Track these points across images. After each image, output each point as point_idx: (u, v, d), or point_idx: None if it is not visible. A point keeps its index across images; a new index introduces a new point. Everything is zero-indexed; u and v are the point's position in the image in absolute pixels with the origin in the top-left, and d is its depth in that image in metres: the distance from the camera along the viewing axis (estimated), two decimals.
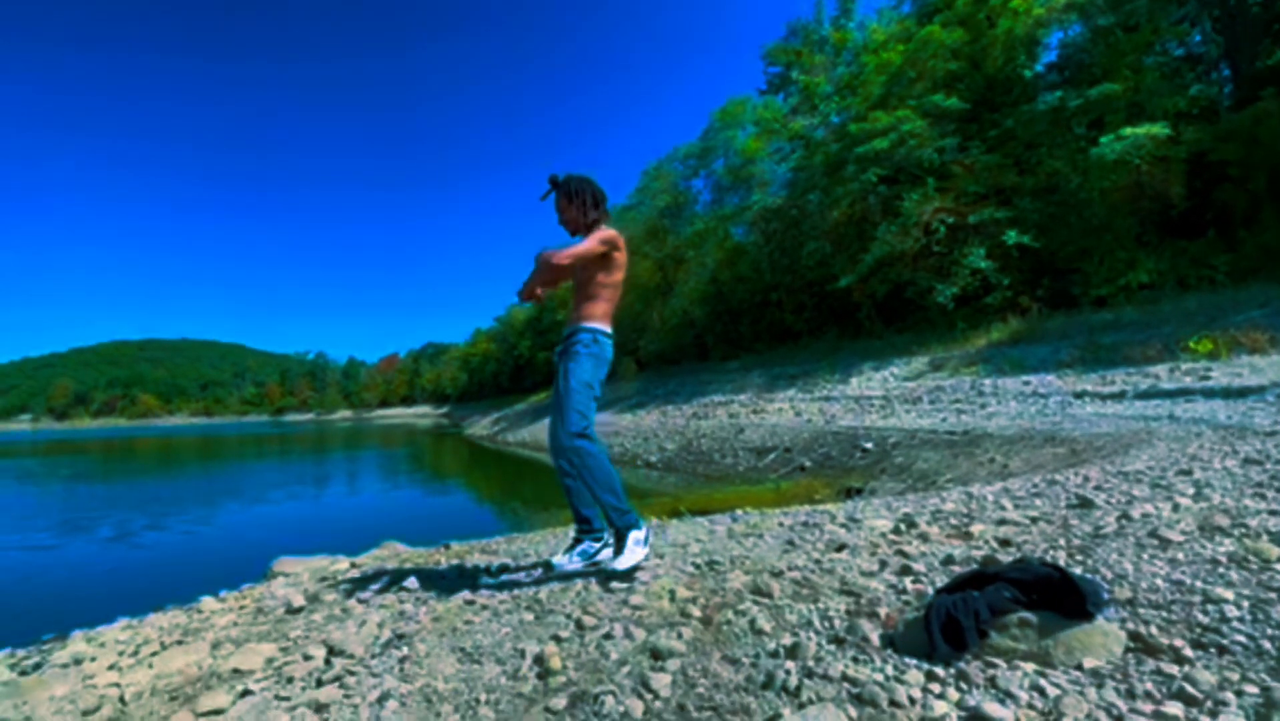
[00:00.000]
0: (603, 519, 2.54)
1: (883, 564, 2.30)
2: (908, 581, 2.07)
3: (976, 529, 2.62)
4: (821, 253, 17.47)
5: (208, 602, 2.97)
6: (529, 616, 2.19)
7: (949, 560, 2.24)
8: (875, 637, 1.69)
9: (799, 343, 19.10)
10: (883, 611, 1.85)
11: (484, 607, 2.36)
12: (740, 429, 11.88)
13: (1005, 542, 2.38)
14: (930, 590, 1.95)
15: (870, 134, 14.69)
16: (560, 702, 1.56)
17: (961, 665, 1.49)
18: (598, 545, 2.59)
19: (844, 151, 15.71)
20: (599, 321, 2.45)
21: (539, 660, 1.79)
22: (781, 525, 3.36)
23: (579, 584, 2.51)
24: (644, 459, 11.99)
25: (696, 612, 2.01)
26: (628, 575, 2.37)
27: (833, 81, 19.13)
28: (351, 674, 1.86)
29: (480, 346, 65.48)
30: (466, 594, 2.58)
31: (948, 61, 14.98)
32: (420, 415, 73.55)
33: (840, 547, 2.61)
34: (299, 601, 2.73)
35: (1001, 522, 2.72)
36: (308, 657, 2.04)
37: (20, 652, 2.54)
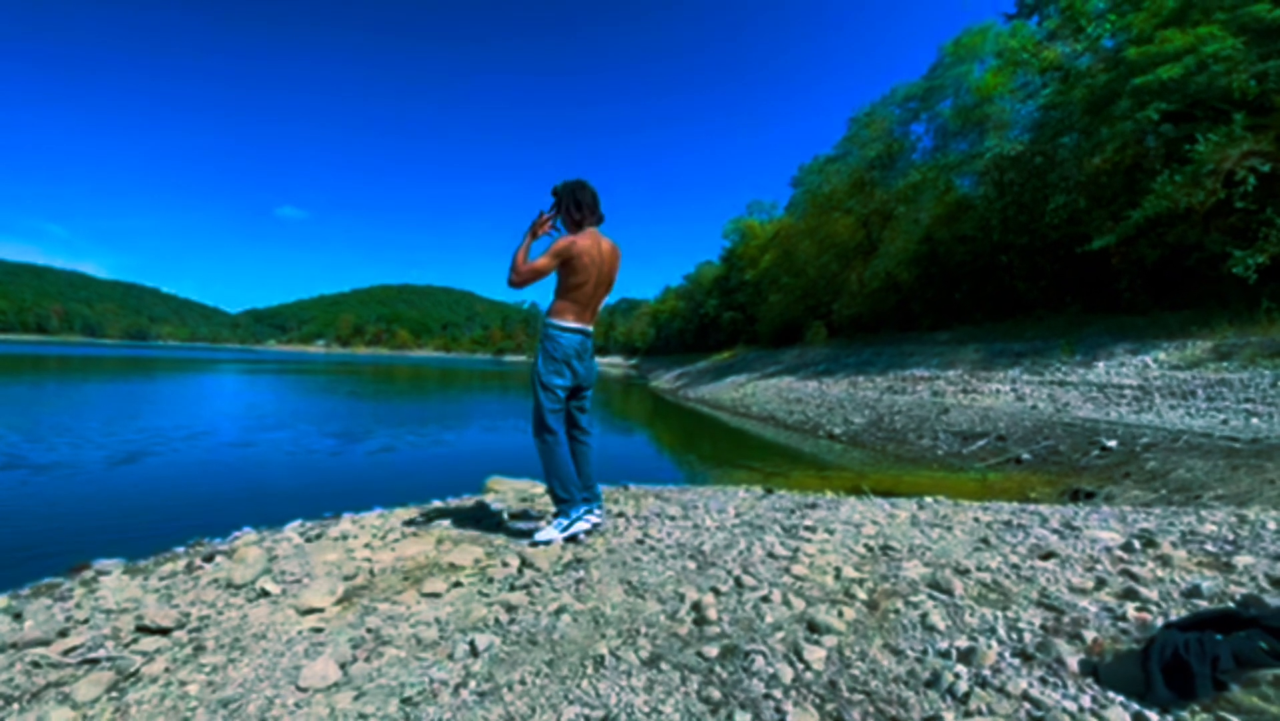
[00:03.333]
0: (594, 491, 2.85)
1: (1100, 582, 2.01)
2: (1129, 607, 1.79)
3: (1242, 560, 2.14)
4: (1072, 208, 14.83)
5: (436, 505, 3.67)
6: (692, 565, 2.33)
7: (1194, 592, 1.88)
8: (1073, 662, 1.51)
9: (1030, 315, 16.63)
10: (1089, 635, 1.64)
11: (652, 549, 2.56)
12: (944, 409, 10.86)
13: None
14: (1159, 623, 1.67)
15: (1156, 59, 11.83)
16: (712, 651, 1.66)
17: (1183, 715, 1.28)
18: (579, 513, 2.74)
19: (1116, 83, 12.92)
20: (557, 316, 2.70)
21: (696, 607, 1.91)
22: (977, 520, 3.09)
23: (742, 542, 2.59)
24: (827, 430, 11.58)
25: (862, 595, 1.97)
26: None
27: None
28: (537, 585, 2.18)
29: (669, 304, 67.67)
30: (638, 532, 2.82)
31: None
32: (612, 365, 78.83)
33: (1047, 555, 2.33)
34: (503, 516, 3.22)
35: None
36: (505, 564, 2.42)
37: (308, 524, 3.37)
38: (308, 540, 2.91)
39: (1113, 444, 7.14)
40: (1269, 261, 10.53)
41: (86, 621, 2.07)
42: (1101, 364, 11.27)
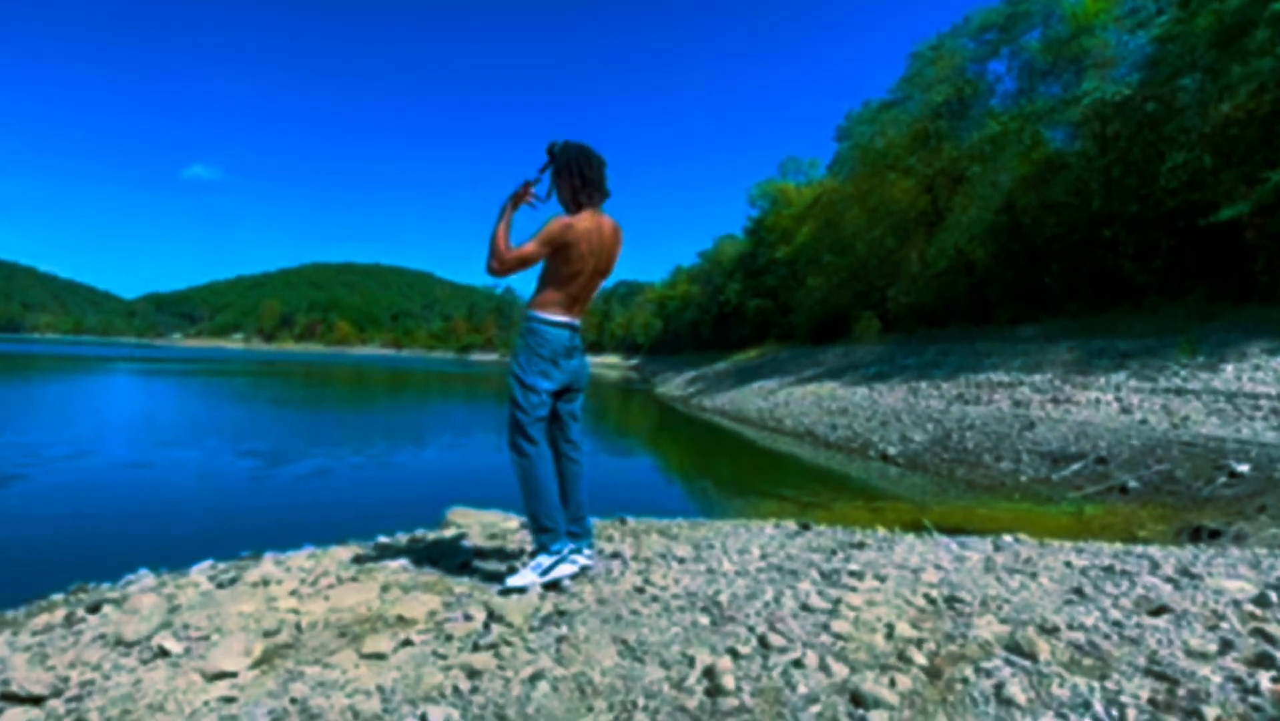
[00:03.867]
0: (583, 525, 2.91)
1: (1225, 645, 2.01)
2: (1263, 677, 1.79)
3: None
4: (1194, 168, 14.83)
5: (383, 542, 3.69)
6: (704, 620, 2.33)
7: None
8: None
9: (1139, 304, 16.65)
10: (1210, 712, 1.63)
11: (654, 599, 2.56)
12: (1029, 423, 10.86)
13: None
14: None
15: None
16: None
17: None
18: (564, 550, 2.75)
19: (1251, 9, 12.92)
20: (543, 308, 2.77)
21: (709, 674, 1.91)
22: (1069, 565, 3.09)
23: (770, 591, 2.59)
24: (878, 449, 11.59)
25: (920, 659, 1.97)
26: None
27: None
28: (508, 643, 2.18)
29: (680, 288, 67.76)
30: (637, 578, 2.82)
31: None
32: (608, 365, 79.03)
33: (1159, 611, 2.33)
34: (467, 556, 3.23)
35: None
36: (468, 617, 2.43)
37: (220, 565, 3.38)
38: (219, 586, 2.93)
39: (1244, 468, 7.13)
40: None
41: None
42: (1230, 366, 11.26)
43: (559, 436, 2.87)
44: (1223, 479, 7.12)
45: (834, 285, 29.06)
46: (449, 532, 3.89)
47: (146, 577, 3.26)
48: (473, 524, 4.10)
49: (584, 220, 2.72)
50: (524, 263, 2.70)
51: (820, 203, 32.02)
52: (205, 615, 2.52)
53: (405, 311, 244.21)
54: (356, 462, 9.85)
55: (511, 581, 2.69)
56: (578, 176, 2.76)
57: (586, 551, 2.88)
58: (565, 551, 2.75)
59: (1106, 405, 11.16)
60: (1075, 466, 8.80)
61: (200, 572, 3.24)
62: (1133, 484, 7.75)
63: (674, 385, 33.28)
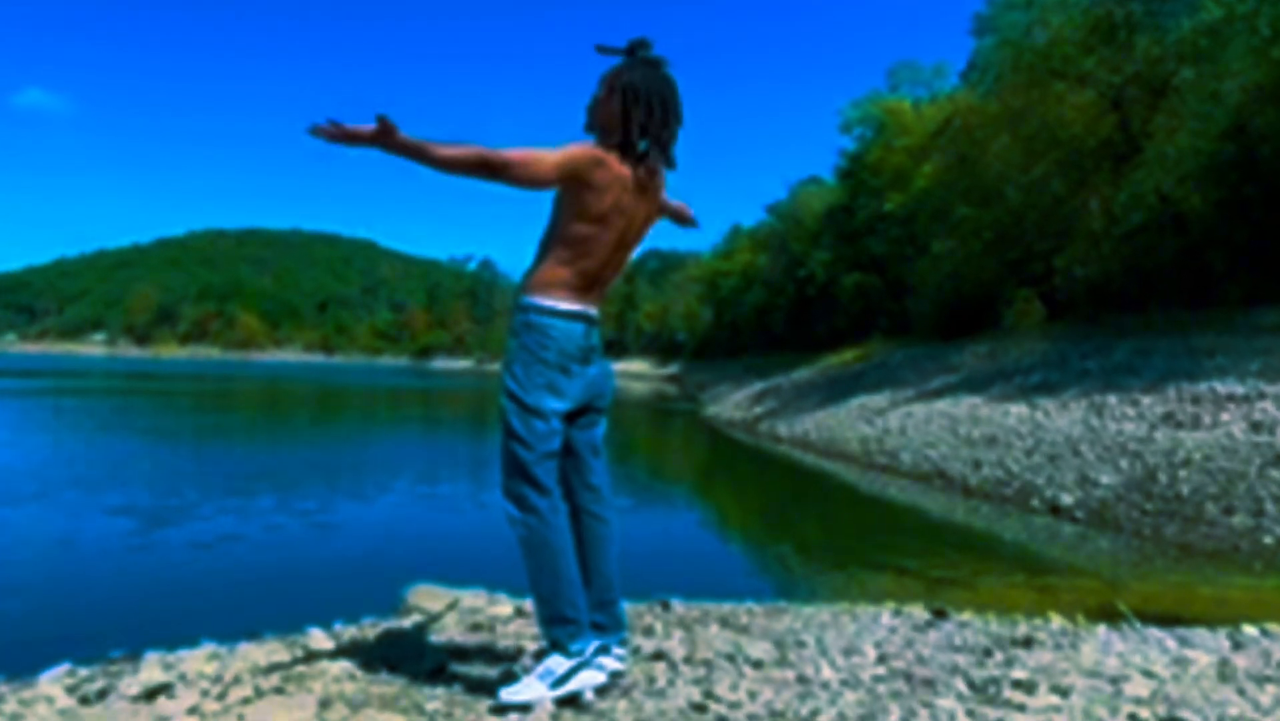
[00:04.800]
0: (612, 613, 2.89)
1: None
2: None
3: None
4: None
5: (317, 637, 3.71)
6: None
7: None
8: None
9: None
10: None
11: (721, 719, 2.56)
12: (1276, 455, 10.69)
13: None
14: None
15: None
16: None
17: None
18: (586, 649, 2.71)
19: None
20: (546, 292, 2.70)
21: None
22: None
23: (895, 712, 2.58)
24: (1046, 496, 11.48)
25: None
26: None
27: None
28: None
29: (739, 259, 67.59)
30: (693, 691, 2.82)
31: None
32: (633, 374, 78.64)
33: None
34: (440, 656, 3.25)
35: None
36: None
37: (83, 671, 3.43)
38: (84, 701, 2.97)
39: None
40: None
41: None
42: None
43: (575, 481, 2.87)
44: None
45: (973, 252, 28.82)
46: (411, 621, 3.91)
47: None
48: (445, 609, 4.13)
49: (616, 165, 2.69)
50: (531, 177, 2.59)
51: (950, 129, 31.86)
52: None
53: (339, 298, 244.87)
54: (274, 522, 9.90)
55: (509, 695, 2.68)
56: (651, 112, 2.73)
57: (617, 651, 2.88)
58: (588, 652, 2.74)
59: None
60: None
61: (54, 681, 3.29)
62: None
63: (732, 403, 33.25)
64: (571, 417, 2.81)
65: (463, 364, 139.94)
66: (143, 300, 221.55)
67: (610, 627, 2.86)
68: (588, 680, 2.71)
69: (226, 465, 15.37)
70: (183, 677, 3.16)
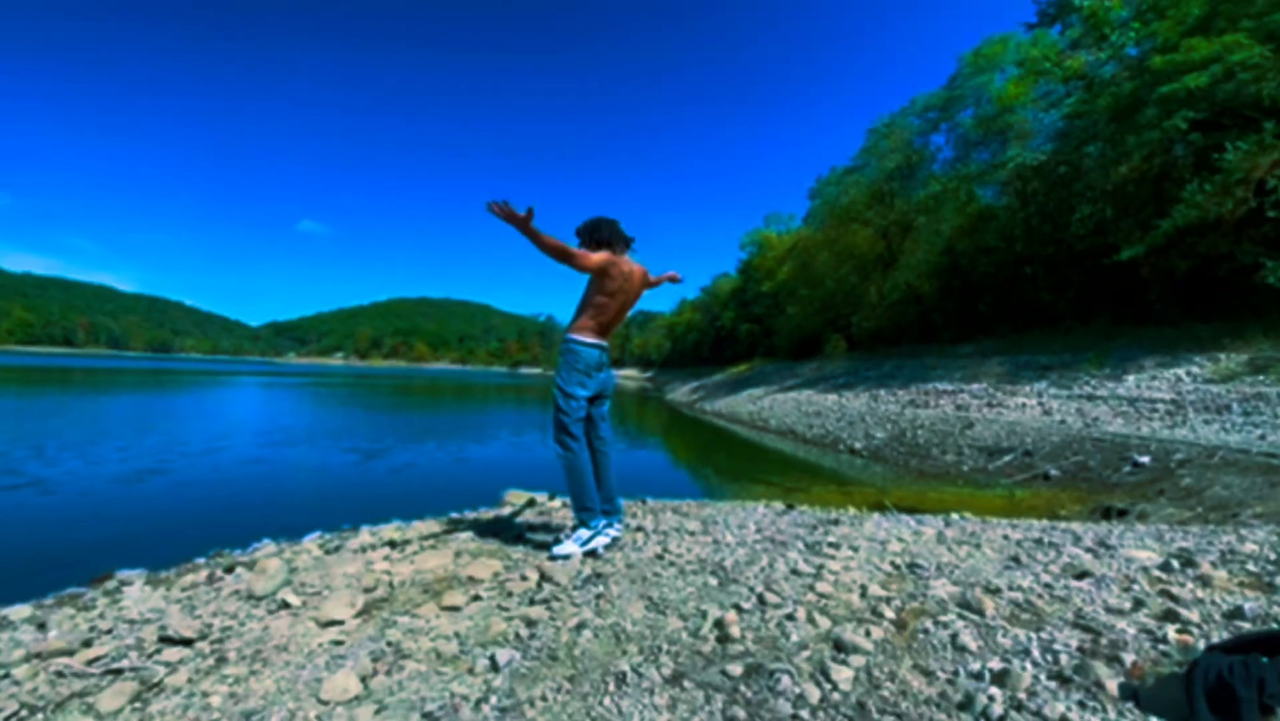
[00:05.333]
0: (614, 505, 2.86)
1: (1138, 603, 1.96)
2: (1170, 629, 1.74)
3: None
4: (1098, 218, 14.60)
5: (455, 517, 3.67)
6: (713, 581, 2.30)
7: (1236, 614, 1.83)
8: (1113, 686, 1.47)
9: (1057, 327, 16.37)
10: (1128, 658, 1.59)
11: (672, 564, 2.54)
12: (969, 423, 10.69)
13: None
14: (1201, 645, 1.62)
15: (1182, 67, 11.68)
16: (736, 669, 1.64)
17: None
18: (599, 526, 2.74)
19: (1141, 91, 12.76)
20: (579, 332, 2.75)
21: (719, 624, 1.89)
22: (1007, 538, 3.03)
23: (765, 559, 2.56)
24: (847, 444, 11.45)
25: (889, 614, 1.93)
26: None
27: (1131, 4, 15.54)
28: (557, 600, 2.17)
29: (685, 316, 67.70)
30: (657, 547, 2.80)
31: None
32: (628, 377, 78.72)
33: (1081, 575, 2.28)
34: (521, 528, 3.22)
35: None
36: (524, 578, 2.42)
37: (327, 536, 3.39)
38: (327, 552, 2.94)
39: (1145, 460, 6.97)
40: None
41: (110, 631, 2.10)
42: (1131, 377, 11.03)
43: (592, 434, 2.86)
44: (1127, 468, 6.96)
45: (808, 313, 28.88)
46: (506, 510, 3.89)
47: (270, 546, 3.29)
48: (524, 503, 4.11)
49: (623, 263, 2.75)
50: (584, 265, 2.62)
51: (797, 248, 31.96)
52: (317, 575, 2.54)
53: (468, 335, 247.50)
54: (432, 455, 9.89)
55: (558, 550, 2.68)
56: (598, 244, 2.77)
57: (617, 525, 2.86)
58: (601, 526, 2.73)
59: (1031, 408, 10.96)
60: (1007, 458, 8.64)
61: (312, 541, 3.26)
62: (1054, 472, 7.59)
63: (681, 393, 33.12)
64: (591, 400, 2.82)
65: (538, 370, 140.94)
66: (363, 335, 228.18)
67: (613, 513, 2.85)
68: (600, 542, 2.72)
69: (406, 423, 15.24)
70: (381, 539, 3.13)
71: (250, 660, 1.83)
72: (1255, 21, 11.46)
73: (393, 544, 3.00)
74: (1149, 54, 13.36)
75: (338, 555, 2.85)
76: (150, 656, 1.89)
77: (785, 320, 31.63)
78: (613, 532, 2.80)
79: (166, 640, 1.98)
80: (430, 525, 3.44)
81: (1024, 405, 11.21)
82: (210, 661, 1.84)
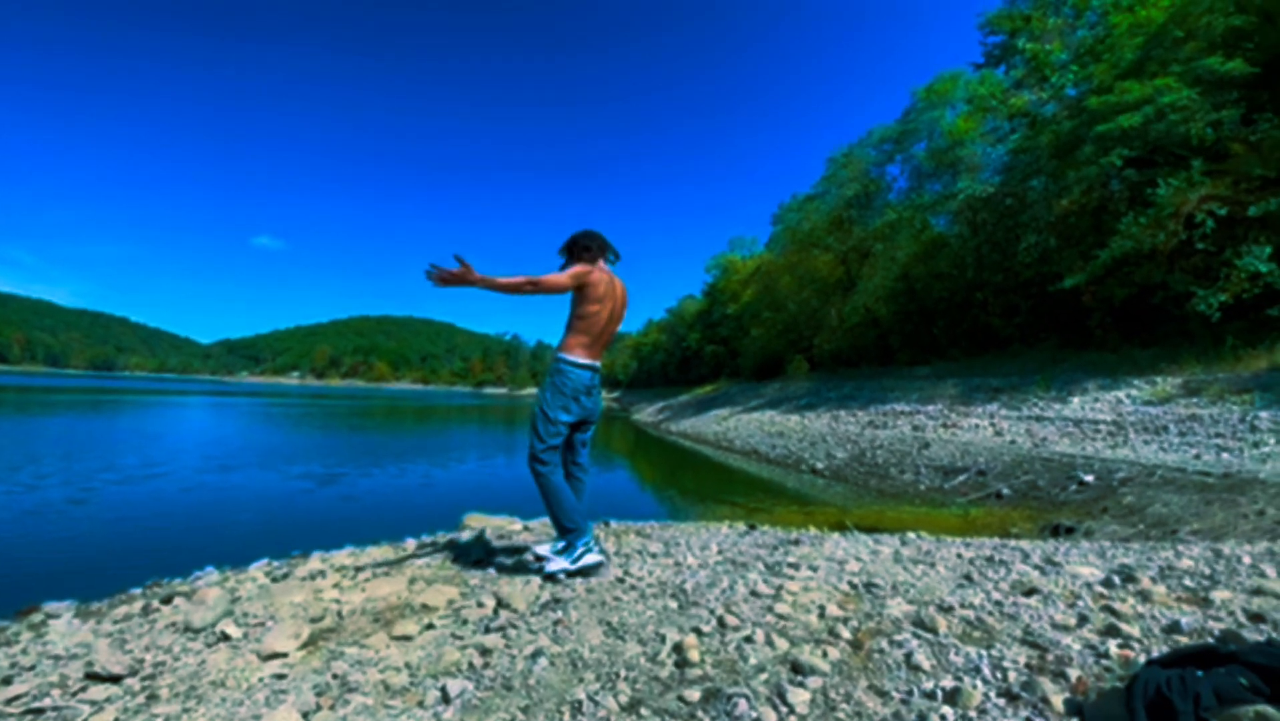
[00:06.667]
0: (584, 524, 2.74)
1: (1082, 619, 2.02)
2: (1111, 644, 1.80)
3: (1220, 595, 2.17)
4: (1043, 247, 15.30)
5: (410, 543, 3.57)
6: (673, 604, 2.28)
7: (1174, 628, 1.89)
8: (1058, 701, 1.50)
9: (1006, 351, 16.98)
10: (1073, 673, 1.63)
11: (632, 588, 2.51)
12: (925, 443, 10.94)
13: (1257, 617, 1.95)
14: (1141, 660, 1.67)
15: (1116, 108, 12.44)
16: (694, 695, 1.62)
17: None
18: (587, 542, 2.68)
19: (1080, 129, 13.52)
20: (569, 351, 2.66)
21: (678, 648, 1.86)
22: (960, 556, 3.09)
23: (725, 580, 2.55)
24: (809, 464, 11.58)
25: (846, 634, 1.94)
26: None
27: (1069, 48, 16.54)
28: (513, 627, 2.11)
29: (651, 336, 68.06)
30: (618, 571, 2.77)
31: (1229, 15, 12.11)
32: None
33: (1029, 592, 2.33)
34: (480, 553, 3.14)
35: (1257, 592, 2.21)
36: (481, 605, 2.35)
37: (275, 563, 3.25)
38: (274, 580, 2.81)
39: (1090, 478, 7.23)
40: (1231, 300, 10.95)
41: (32, 668, 1.96)
42: (1076, 399, 11.47)
43: (569, 458, 2.78)
44: (1074, 486, 7.21)
45: (772, 335, 29.31)
46: (465, 534, 3.80)
47: (212, 574, 3.13)
48: (485, 526, 4.01)
49: (599, 271, 2.68)
50: (556, 286, 2.54)
51: (760, 272, 32.60)
52: (262, 605, 2.42)
53: (431, 354, 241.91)
54: (391, 478, 9.62)
55: (550, 567, 2.61)
56: (582, 250, 2.73)
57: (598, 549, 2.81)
58: (589, 544, 2.66)
59: (984, 429, 11.27)
60: (961, 477, 8.84)
61: (258, 569, 3.12)
62: (1006, 491, 7.80)
63: (647, 413, 33.10)
64: (575, 425, 2.74)
65: (502, 390, 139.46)
66: (321, 353, 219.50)
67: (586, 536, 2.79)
68: (591, 559, 2.65)
69: (365, 446, 14.81)
70: (332, 566, 3.01)
71: (183, 697, 1.73)
72: (1183, 66, 12.29)
73: (344, 570, 2.89)
74: (1086, 95, 14.18)
75: (285, 583, 2.73)
76: (74, 695, 1.77)
77: (749, 342, 32.03)
78: (599, 557, 2.72)
79: (93, 677, 1.86)
80: (385, 551, 3.33)
81: (977, 426, 11.52)
82: (140, 699, 1.73)
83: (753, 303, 32.42)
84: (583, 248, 2.73)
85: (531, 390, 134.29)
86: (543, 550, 2.78)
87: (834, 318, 24.73)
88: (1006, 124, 18.06)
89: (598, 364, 2.73)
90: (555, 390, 2.62)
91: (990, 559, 3.00)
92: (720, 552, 3.17)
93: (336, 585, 2.66)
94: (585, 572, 2.62)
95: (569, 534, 2.63)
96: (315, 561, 3.15)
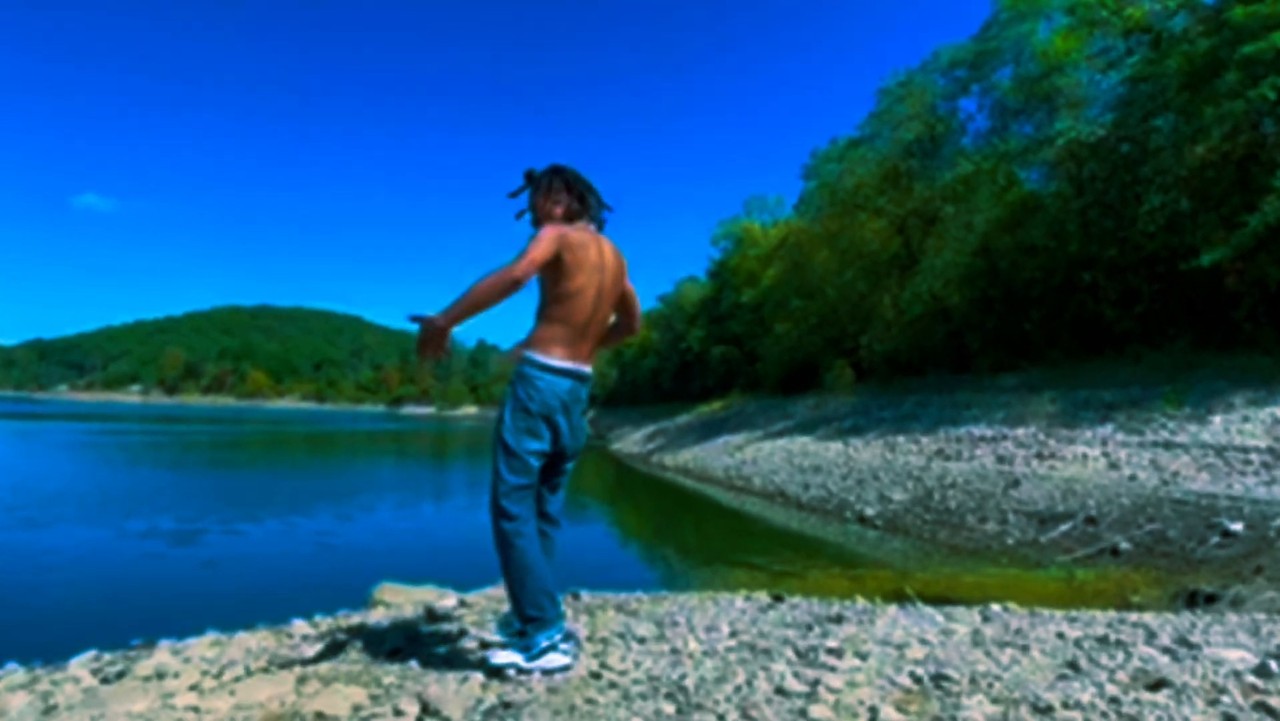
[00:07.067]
0: (554, 612, 2.63)
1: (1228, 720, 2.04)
2: None
3: None
4: (1171, 211, 15.47)
5: (299, 626, 3.54)
6: (670, 709, 2.28)
7: None
8: None
9: (1123, 352, 17.15)
10: None
11: (612, 685, 2.50)
12: (1014, 480, 11.05)
13: None
14: None
15: (1269, 21, 12.68)
16: None
17: None
18: (553, 639, 2.60)
19: (1220, 50, 13.74)
20: (541, 348, 2.53)
21: None
22: (1062, 636, 3.13)
23: (741, 674, 2.56)
24: (855, 510, 11.65)
25: None
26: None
27: None
28: None
29: (639, 335, 68.14)
30: (592, 662, 2.76)
31: None
32: None
33: (1156, 685, 2.37)
34: (397, 640, 3.11)
35: None
36: (398, 713, 2.33)
37: (106, 656, 3.20)
38: (105, 681, 2.77)
39: (1237, 527, 7.32)
40: None
41: None
42: (1218, 418, 11.60)
43: (538, 506, 2.71)
44: (1216, 538, 7.30)
45: (803, 332, 29.41)
46: (376, 614, 3.76)
47: (16, 673, 3.07)
48: (404, 602, 3.98)
49: (578, 231, 2.59)
50: (534, 262, 2.41)
51: (787, 244, 32.60)
52: (87, 716, 2.38)
53: (330, 360, 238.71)
54: (268, 535, 9.53)
55: (495, 660, 2.55)
56: (575, 198, 2.68)
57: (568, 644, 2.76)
58: (558, 640, 2.60)
59: (1094, 460, 11.38)
60: (1063, 527, 8.93)
61: (82, 665, 3.07)
62: (1124, 545, 7.89)
63: (632, 441, 33.16)
64: (550, 457, 2.65)
65: (427, 410, 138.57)
66: (173, 359, 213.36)
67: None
68: (556, 661, 2.58)
69: (237, 490, 14.67)
70: (188, 660, 2.98)
71: None
72: None
73: (206, 666, 2.86)
74: (1228, 3, 14.40)
75: (121, 685, 2.69)
76: None
77: (773, 341, 32.10)
78: (567, 659, 2.65)
79: None
80: (264, 637, 3.29)
81: (1085, 456, 11.62)
82: None
83: (777, 287, 32.55)
84: (581, 200, 2.67)
85: (469, 410, 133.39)
86: (489, 635, 2.76)
87: (888, 307, 24.79)
88: (1121, 43, 18.22)
89: (585, 369, 2.63)
90: (519, 407, 2.51)
91: (1103, 639, 3.03)
92: (734, 635, 3.17)
93: (194, 687, 2.63)
94: (500, 675, 2.57)
95: (531, 623, 2.56)
96: (164, 653, 3.11)
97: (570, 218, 2.68)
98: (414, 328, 2.42)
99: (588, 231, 2.66)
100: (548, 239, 2.46)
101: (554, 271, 2.52)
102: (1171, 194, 15.52)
